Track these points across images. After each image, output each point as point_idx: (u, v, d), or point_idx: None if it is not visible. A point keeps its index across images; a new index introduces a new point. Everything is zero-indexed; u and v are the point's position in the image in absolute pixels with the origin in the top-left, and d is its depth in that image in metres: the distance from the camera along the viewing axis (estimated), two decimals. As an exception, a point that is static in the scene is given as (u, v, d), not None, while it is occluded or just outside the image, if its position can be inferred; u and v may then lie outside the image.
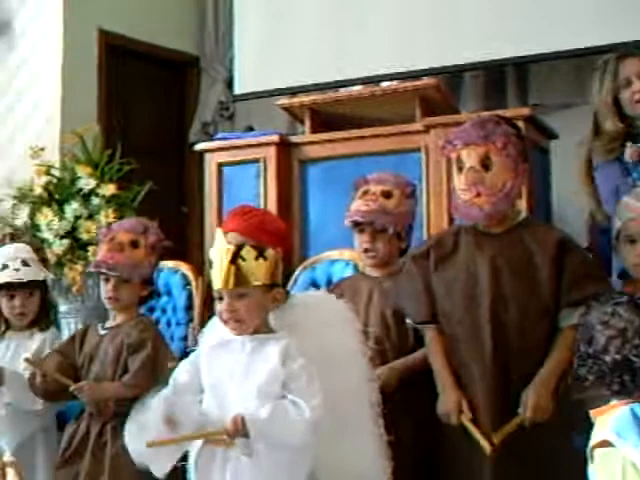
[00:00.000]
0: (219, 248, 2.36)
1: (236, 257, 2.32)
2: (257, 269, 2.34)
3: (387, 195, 2.83)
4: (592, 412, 2.09)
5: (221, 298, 2.36)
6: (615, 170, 3.08)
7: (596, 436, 2.02)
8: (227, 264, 2.33)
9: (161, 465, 2.39)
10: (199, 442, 2.32)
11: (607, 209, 3.06)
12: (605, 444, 1.97)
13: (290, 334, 2.37)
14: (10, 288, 3.24)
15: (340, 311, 2.52)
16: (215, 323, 2.54)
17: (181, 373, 2.47)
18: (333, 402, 2.28)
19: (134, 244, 3.02)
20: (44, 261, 3.65)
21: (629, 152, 3.04)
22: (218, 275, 2.34)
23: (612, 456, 1.95)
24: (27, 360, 3.02)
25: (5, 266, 3.26)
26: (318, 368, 2.31)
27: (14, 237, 3.74)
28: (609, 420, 2.00)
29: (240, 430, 2.20)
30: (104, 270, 2.98)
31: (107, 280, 2.99)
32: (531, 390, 2.45)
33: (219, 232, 2.40)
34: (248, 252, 2.33)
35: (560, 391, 2.49)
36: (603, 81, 3.17)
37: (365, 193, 2.85)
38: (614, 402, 2.05)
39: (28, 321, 3.27)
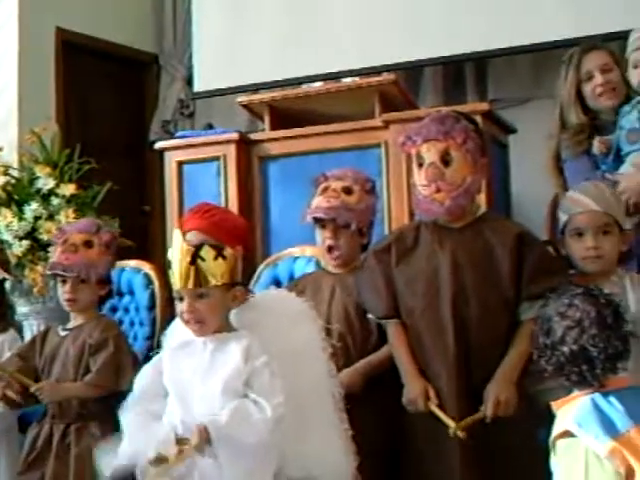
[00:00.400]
0: (178, 248, 2.35)
1: (195, 257, 2.31)
2: (216, 269, 2.34)
3: (348, 191, 2.82)
4: (553, 404, 2.11)
5: (182, 298, 2.36)
6: (584, 164, 3.12)
7: (558, 427, 2.04)
8: (186, 264, 2.32)
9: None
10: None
11: (566, 201, 3.09)
12: (567, 435, 1.99)
13: (251, 332, 2.37)
14: None
15: (300, 308, 2.51)
16: (176, 325, 2.53)
17: (143, 378, 2.46)
18: (296, 398, 2.29)
19: (88, 244, 3.02)
20: (6, 263, 3.61)
21: (597, 144, 3.09)
22: (178, 275, 2.33)
23: (574, 447, 1.97)
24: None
25: None
26: (280, 365, 2.31)
27: None
28: (570, 411, 2.02)
29: (205, 439, 2.20)
30: (60, 272, 2.98)
31: (64, 282, 3.00)
32: (492, 385, 2.47)
33: (177, 232, 2.39)
34: (207, 252, 2.32)
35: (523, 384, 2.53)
36: (567, 74, 3.21)
37: (325, 190, 2.84)
38: (575, 393, 2.07)
39: None
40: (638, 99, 3.03)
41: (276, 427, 2.23)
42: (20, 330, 3.41)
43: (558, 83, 3.30)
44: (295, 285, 2.91)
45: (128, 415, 2.38)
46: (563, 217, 2.68)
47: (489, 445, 2.47)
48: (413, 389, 2.54)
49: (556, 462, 2.04)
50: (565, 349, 2.04)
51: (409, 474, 2.60)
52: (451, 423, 2.43)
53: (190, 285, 2.32)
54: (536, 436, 2.49)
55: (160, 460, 2.22)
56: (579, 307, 2.07)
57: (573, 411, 2.02)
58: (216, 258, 2.33)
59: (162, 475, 2.23)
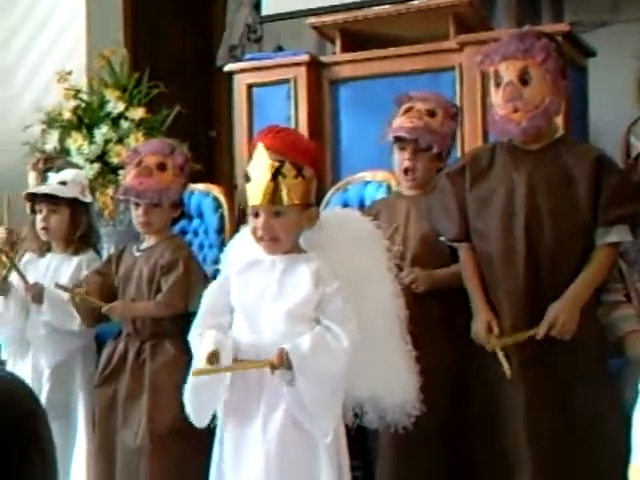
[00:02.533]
0: (260, 163, 2.32)
1: (277, 174, 2.29)
2: (295, 187, 2.32)
3: (432, 114, 2.77)
4: None
5: (257, 214, 2.34)
6: None
7: None
8: (268, 180, 2.29)
9: (203, 415, 2.37)
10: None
11: None
12: None
13: (319, 254, 2.36)
14: (41, 204, 3.26)
15: (367, 228, 2.49)
16: (241, 241, 2.52)
17: (209, 296, 2.47)
18: (362, 319, 2.29)
19: (161, 167, 2.98)
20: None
21: None
22: (257, 191, 2.31)
23: None
24: (57, 285, 3.04)
25: (48, 185, 3.31)
26: (347, 287, 2.31)
27: (47, 161, 3.72)
28: None
29: (284, 363, 2.21)
30: (133, 197, 2.97)
31: (137, 205, 2.99)
32: (555, 304, 2.44)
33: (261, 147, 2.36)
34: (289, 170, 2.30)
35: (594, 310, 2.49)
36: None
37: (409, 110, 2.79)
38: None
39: (54, 238, 3.29)
40: None
41: (352, 354, 2.24)
42: (97, 252, 3.44)
43: None
44: (370, 209, 2.88)
45: (195, 332, 2.40)
46: (637, 143, 2.60)
47: (558, 369, 2.45)
48: (477, 321, 2.52)
49: None
50: None
51: (474, 396, 2.59)
52: (505, 364, 2.40)
53: (270, 201, 2.30)
54: (607, 362, 2.47)
55: (212, 355, 2.23)
56: None
57: None
58: (296, 177, 2.31)
59: (214, 372, 2.26)
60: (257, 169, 2.32)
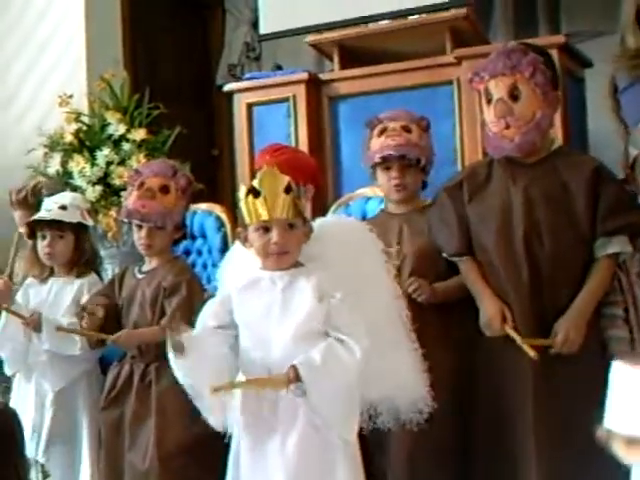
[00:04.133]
0: (271, 178, 2.35)
1: (289, 188, 2.32)
2: (300, 203, 2.35)
3: (407, 130, 2.79)
4: None
5: (266, 230, 2.35)
6: (638, 87, 3.00)
7: None
8: (282, 193, 2.32)
9: (218, 417, 2.40)
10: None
11: (637, 134, 3.01)
12: None
13: (317, 265, 2.38)
14: (44, 229, 3.26)
15: (361, 232, 2.52)
16: (235, 258, 2.54)
17: (209, 314, 2.47)
18: (368, 323, 2.31)
19: (165, 189, 2.98)
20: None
21: None
22: (268, 206, 2.33)
23: None
24: (59, 328, 3.05)
25: (48, 210, 3.30)
26: (349, 293, 2.32)
27: (35, 191, 3.75)
28: None
29: (294, 378, 2.23)
30: (137, 220, 2.98)
31: (140, 227, 2.99)
32: (564, 320, 2.45)
33: (270, 162, 2.41)
34: (294, 186, 2.34)
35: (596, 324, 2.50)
36: None
37: (384, 130, 2.80)
38: None
39: (58, 263, 3.29)
40: None
41: (364, 363, 2.25)
42: (99, 276, 3.45)
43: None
44: None
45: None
46: (633, 152, 2.60)
47: (562, 389, 2.46)
48: (489, 309, 2.53)
49: None
50: None
51: (480, 396, 2.60)
52: (525, 346, 2.41)
53: (284, 215, 2.32)
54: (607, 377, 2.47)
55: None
56: None
57: None
58: (300, 193, 2.35)
59: (232, 388, 2.28)
60: (268, 185, 2.34)
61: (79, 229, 3.30)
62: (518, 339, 2.44)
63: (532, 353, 2.39)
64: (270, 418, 2.32)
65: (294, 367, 2.23)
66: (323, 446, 2.28)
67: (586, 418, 2.39)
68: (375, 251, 2.48)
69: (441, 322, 2.66)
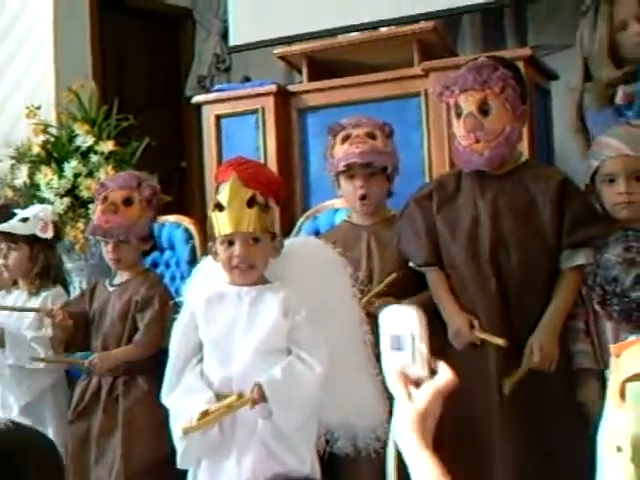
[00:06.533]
0: (235, 192, 2.34)
1: (253, 201, 2.32)
2: (266, 217, 2.35)
3: (372, 136, 2.75)
4: (614, 347, 2.08)
5: (230, 243, 2.35)
6: (607, 111, 3.04)
7: (626, 370, 2.00)
8: (245, 207, 2.32)
9: (190, 458, 2.39)
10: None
11: (595, 148, 3.03)
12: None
13: (284, 283, 2.37)
14: (1, 242, 3.29)
15: (329, 255, 2.50)
16: (202, 274, 2.53)
17: (179, 340, 2.47)
18: (330, 347, 2.31)
19: (128, 202, 2.97)
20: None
21: (620, 95, 3.00)
22: (233, 219, 2.32)
23: None
24: (34, 359, 3.05)
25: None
26: (314, 315, 2.32)
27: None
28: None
29: (260, 397, 2.23)
30: (100, 237, 2.98)
31: (106, 242, 2.98)
32: (536, 335, 2.47)
33: (234, 176, 2.38)
34: (259, 200, 2.33)
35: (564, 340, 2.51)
36: (595, 24, 3.10)
37: (347, 137, 2.76)
38: (633, 337, 2.04)
39: (15, 275, 3.30)
40: None
41: (324, 381, 2.25)
42: (66, 288, 3.43)
43: (580, 34, 3.19)
44: (323, 239, 2.80)
45: (171, 398, 2.41)
46: (594, 163, 2.63)
47: (529, 402, 2.46)
48: (457, 321, 2.53)
49: (626, 404, 1.99)
50: (634, 295, 2.00)
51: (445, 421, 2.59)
52: (501, 342, 2.41)
53: (247, 228, 2.32)
54: (573, 391, 2.49)
55: (205, 414, 2.24)
56: None
57: None
58: (265, 207, 2.34)
59: (203, 427, 2.26)
60: (231, 198, 2.33)
61: (34, 241, 3.28)
62: (490, 337, 2.44)
63: (501, 341, 2.41)
64: (226, 440, 2.31)
65: (259, 386, 2.23)
66: (277, 467, 2.28)
67: (552, 427, 2.43)
68: (342, 274, 2.47)
69: None
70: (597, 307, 2.10)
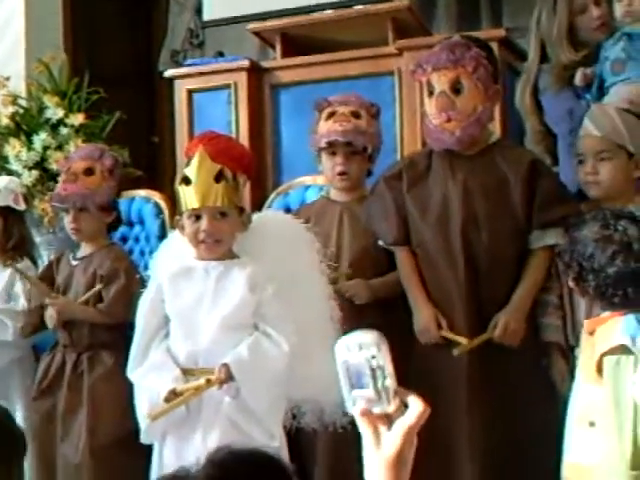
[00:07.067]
0: (202, 167, 2.32)
1: (220, 177, 2.30)
2: (233, 191, 2.34)
3: (356, 115, 2.76)
4: (588, 322, 2.10)
5: (198, 217, 2.33)
6: (566, 93, 3.04)
7: (602, 345, 2.02)
8: (211, 182, 2.30)
9: (154, 433, 2.39)
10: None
11: (558, 131, 3.05)
12: (617, 351, 1.98)
13: (252, 259, 2.36)
14: None
15: (298, 231, 2.51)
16: (169, 248, 2.52)
17: (145, 314, 2.47)
18: (297, 322, 2.32)
19: (88, 171, 2.97)
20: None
21: (579, 76, 3.00)
22: (199, 193, 2.31)
23: (625, 362, 1.96)
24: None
25: None
26: (281, 290, 2.31)
27: None
28: (614, 329, 2.01)
29: (227, 377, 2.22)
30: (57, 203, 2.96)
31: (67, 212, 2.97)
32: (503, 313, 2.49)
33: (202, 151, 2.36)
34: (227, 174, 2.32)
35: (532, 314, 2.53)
36: (555, 5, 3.10)
37: (332, 114, 2.77)
38: (607, 314, 2.06)
39: None
40: (623, 30, 2.94)
41: (291, 358, 2.24)
42: (34, 261, 3.39)
43: (537, 15, 3.19)
44: (297, 214, 2.84)
45: (137, 373, 2.41)
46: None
47: (495, 374, 2.49)
48: (423, 317, 2.55)
49: (604, 378, 2.01)
50: (611, 271, 2.03)
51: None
52: (465, 342, 2.45)
53: (214, 203, 2.31)
54: (541, 364, 2.51)
55: (174, 395, 2.23)
56: (624, 230, 2.05)
57: (619, 328, 2.01)
58: (234, 181, 2.33)
59: (170, 410, 2.25)
60: (198, 172, 2.32)
61: (8, 213, 3.25)
62: (454, 337, 2.47)
63: (464, 340, 2.44)
64: (193, 418, 2.31)
65: (226, 366, 2.22)
66: (245, 442, 2.27)
67: (519, 403, 2.45)
68: (310, 250, 2.47)
69: (375, 327, 2.64)
70: (571, 284, 2.13)
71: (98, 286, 2.91)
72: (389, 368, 1.14)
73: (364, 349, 1.15)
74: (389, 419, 1.15)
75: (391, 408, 1.14)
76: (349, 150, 2.76)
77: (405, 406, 1.15)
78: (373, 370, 1.14)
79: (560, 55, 3.02)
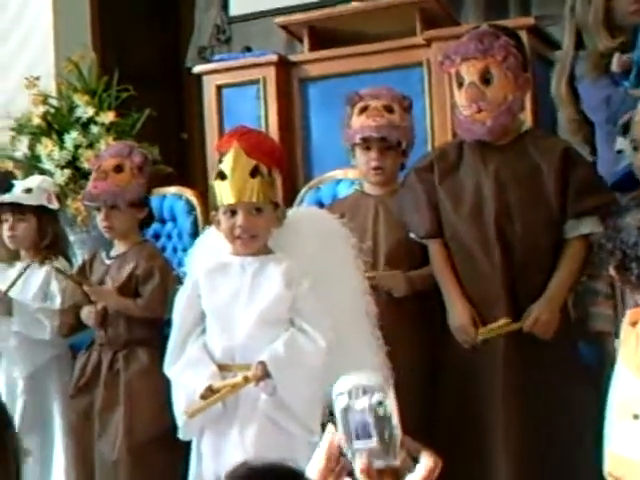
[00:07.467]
0: (237, 162, 2.33)
1: (256, 172, 2.30)
2: (269, 187, 2.34)
3: (389, 110, 2.74)
4: (631, 312, 2.06)
5: (233, 213, 2.34)
6: (603, 80, 3.01)
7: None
8: (246, 177, 2.31)
9: (192, 430, 2.40)
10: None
11: (595, 119, 3.01)
12: None
13: (287, 254, 2.36)
14: (6, 212, 3.25)
15: (333, 226, 2.50)
16: (205, 244, 2.52)
17: (181, 310, 2.47)
18: (333, 318, 2.32)
19: (118, 169, 2.98)
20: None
21: (616, 61, 2.96)
22: (235, 189, 2.31)
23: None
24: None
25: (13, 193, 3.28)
26: (317, 286, 2.31)
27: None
28: None
29: (264, 374, 2.23)
30: (87, 202, 2.99)
31: (99, 210, 2.99)
32: (537, 304, 2.46)
33: (236, 146, 2.36)
34: (262, 169, 2.32)
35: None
36: None
37: (365, 109, 2.76)
38: None
39: (21, 247, 3.28)
40: None
41: (328, 353, 2.24)
42: (69, 260, 3.42)
43: (570, 3, 3.15)
44: (331, 208, 2.83)
45: (173, 369, 2.42)
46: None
47: (531, 363, 2.47)
48: (458, 314, 2.52)
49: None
50: None
51: (447, 393, 2.59)
52: (502, 321, 2.43)
53: (250, 198, 2.32)
54: (578, 355, 2.49)
55: (211, 392, 2.24)
56: None
57: None
58: (269, 175, 2.33)
59: (207, 407, 2.26)
60: (234, 168, 2.32)
61: (42, 212, 3.27)
62: (495, 327, 2.46)
63: (502, 321, 2.43)
64: (230, 414, 2.32)
65: (263, 363, 2.22)
66: (283, 437, 2.28)
67: (555, 393, 2.44)
68: (346, 245, 2.47)
69: (412, 319, 2.65)
70: (613, 272, 2.09)
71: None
72: (396, 416, 1.03)
73: (369, 394, 1.03)
74: (394, 474, 1.04)
75: (397, 462, 1.03)
76: (383, 145, 2.74)
77: (413, 460, 1.04)
78: (379, 419, 1.02)
79: (597, 42, 2.99)
